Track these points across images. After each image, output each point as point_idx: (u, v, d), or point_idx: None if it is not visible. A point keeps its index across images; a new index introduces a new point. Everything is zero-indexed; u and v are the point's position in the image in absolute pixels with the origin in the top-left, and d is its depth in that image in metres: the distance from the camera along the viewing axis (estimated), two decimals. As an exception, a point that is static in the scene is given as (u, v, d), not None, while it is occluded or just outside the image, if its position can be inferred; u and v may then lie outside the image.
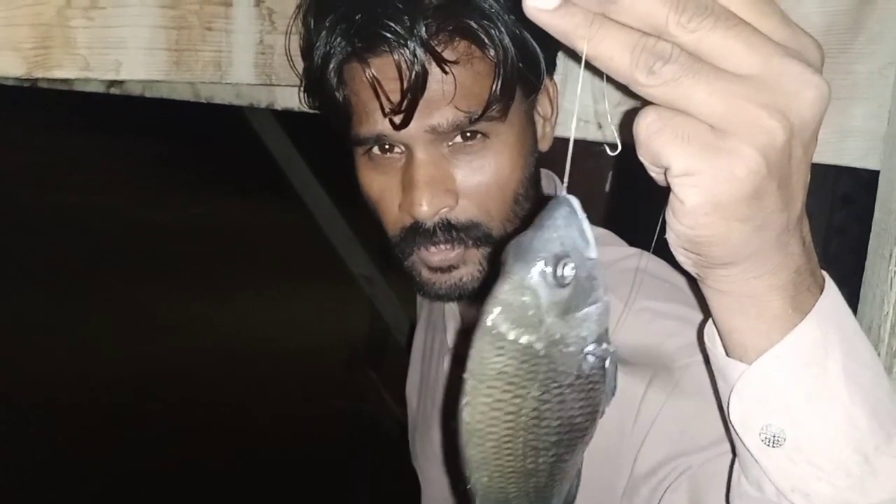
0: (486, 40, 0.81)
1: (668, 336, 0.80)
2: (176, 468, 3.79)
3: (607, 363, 0.51)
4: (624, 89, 0.43)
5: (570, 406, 0.52)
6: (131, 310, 5.58)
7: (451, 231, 0.85)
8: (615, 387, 0.53)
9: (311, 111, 1.01)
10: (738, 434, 0.54)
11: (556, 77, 0.95)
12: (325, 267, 4.04)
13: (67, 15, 0.79)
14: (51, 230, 7.04)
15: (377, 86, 0.81)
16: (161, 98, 1.25)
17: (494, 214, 0.86)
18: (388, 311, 3.43)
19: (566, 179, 0.49)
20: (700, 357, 0.72)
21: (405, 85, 0.80)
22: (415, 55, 0.79)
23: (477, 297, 0.90)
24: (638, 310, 0.82)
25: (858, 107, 0.84)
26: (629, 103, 0.86)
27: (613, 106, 0.90)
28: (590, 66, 0.44)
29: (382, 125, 0.83)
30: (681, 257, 0.49)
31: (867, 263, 0.85)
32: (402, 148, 0.85)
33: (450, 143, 0.84)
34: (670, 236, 0.47)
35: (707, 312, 0.55)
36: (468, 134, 0.84)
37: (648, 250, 0.60)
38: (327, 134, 0.96)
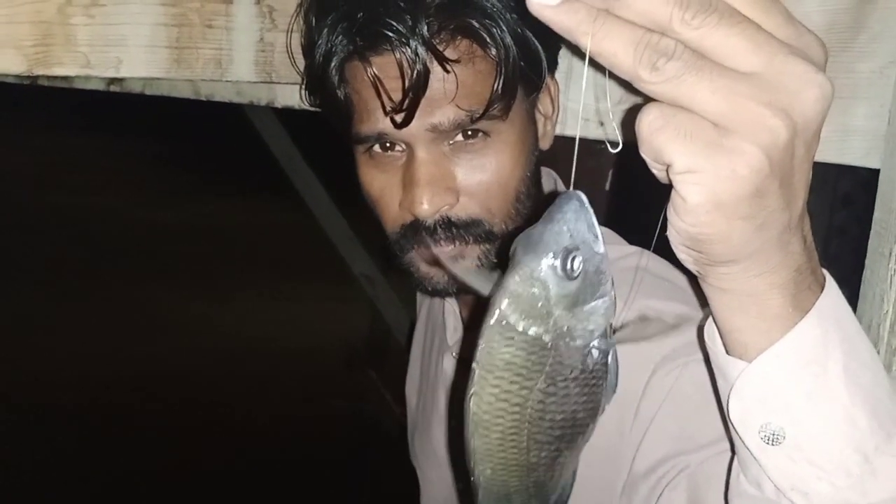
0: (488, 39, 0.81)
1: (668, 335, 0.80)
2: (176, 468, 3.79)
3: (609, 358, 0.51)
4: (626, 86, 0.43)
5: (574, 401, 0.52)
6: (131, 310, 5.58)
7: (451, 228, 0.85)
8: (616, 384, 0.53)
9: (312, 109, 1.01)
10: (737, 432, 0.54)
11: (559, 76, 0.95)
12: (325, 267, 4.03)
13: (68, 12, 0.79)
14: (51, 230, 7.04)
15: (379, 84, 0.81)
16: (161, 96, 1.25)
17: (496, 212, 0.87)
18: (388, 311, 3.43)
19: (573, 176, 0.49)
20: (700, 355, 0.72)
21: (407, 83, 0.80)
22: (416, 54, 0.79)
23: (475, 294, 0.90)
24: (638, 308, 0.82)
25: (859, 106, 0.84)
26: (630, 101, 0.86)
27: (614, 104, 0.90)
28: (593, 64, 0.44)
29: (383, 123, 0.83)
30: (682, 255, 0.49)
31: (867, 262, 0.85)
32: (403, 146, 0.85)
33: (451, 142, 0.84)
34: (671, 234, 0.47)
35: (707, 311, 0.55)
36: (469, 132, 0.84)
37: (649, 249, 0.60)
38: (328, 133, 0.96)
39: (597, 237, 0.47)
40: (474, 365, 0.49)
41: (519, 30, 0.83)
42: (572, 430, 0.54)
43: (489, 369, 0.49)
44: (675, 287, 0.85)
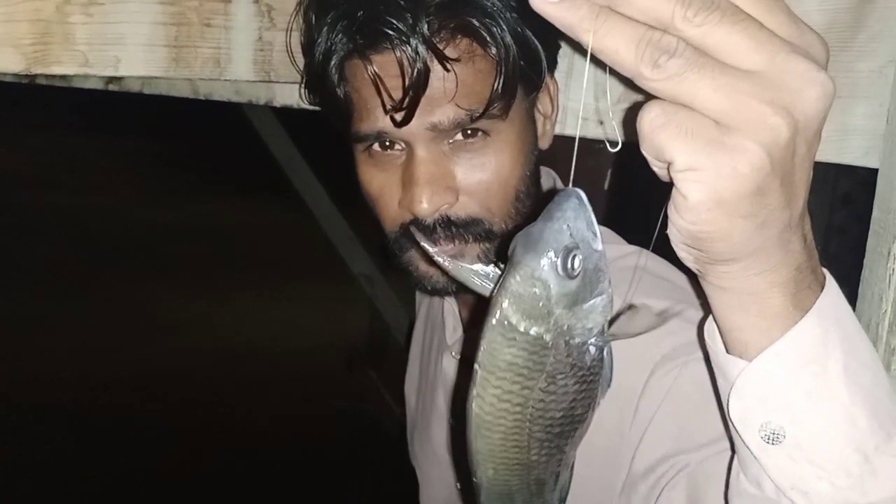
0: (488, 38, 0.81)
1: (668, 334, 0.79)
2: (176, 468, 3.79)
3: (605, 353, 0.51)
4: (626, 85, 0.43)
5: (573, 397, 0.52)
6: (131, 310, 5.58)
7: (450, 228, 0.85)
8: (611, 377, 0.53)
9: (311, 108, 1.01)
10: (737, 431, 0.54)
11: (559, 75, 0.95)
12: (325, 267, 4.04)
13: (66, 11, 0.79)
14: (50, 230, 7.05)
15: (379, 82, 0.81)
16: (160, 96, 1.25)
17: (495, 211, 0.86)
18: (388, 311, 3.43)
19: (571, 175, 0.49)
20: (700, 354, 0.72)
21: (407, 82, 0.80)
22: (417, 52, 0.79)
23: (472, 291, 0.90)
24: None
25: (859, 105, 0.84)
26: (629, 101, 0.85)
27: (614, 103, 0.90)
28: (593, 62, 0.44)
29: (383, 122, 0.83)
30: (682, 253, 0.49)
31: (866, 261, 0.84)
32: (403, 145, 0.85)
33: (450, 141, 0.84)
34: (672, 232, 0.47)
35: (707, 310, 0.55)
36: (469, 131, 0.84)
37: (648, 248, 0.60)
38: (327, 132, 0.95)
39: (595, 235, 0.47)
40: (476, 366, 0.49)
41: (519, 29, 0.83)
42: (571, 425, 0.54)
43: (491, 370, 0.49)
44: (674, 286, 0.85)
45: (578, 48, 0.48)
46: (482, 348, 0.49)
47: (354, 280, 3.40)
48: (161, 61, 0.87)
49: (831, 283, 0.53)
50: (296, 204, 3.33)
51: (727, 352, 0.54)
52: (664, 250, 0.52)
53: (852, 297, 0.82)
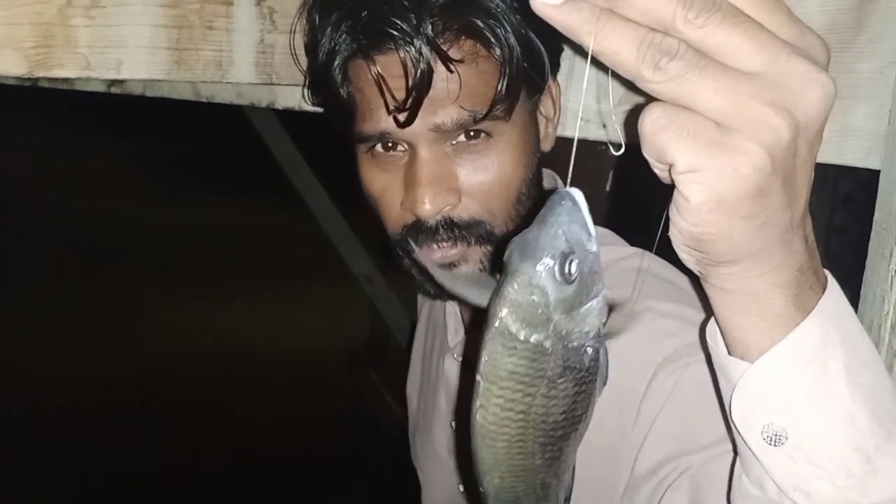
0: (492, 39, 0.81)
1: (669, 336, 0.80)
2: (176, 468, 3.79)
3: (601, 353, 0.52)
4: (628, 87, 0.43)
5: (574, 399, 0.52)
6: (131, 310, 5.58)
7: (453, 229, 0.85)
8: (607, 376, 0.53)
9: (313, 110, 1.01)
10: (739, 433, 0.54)
11: (560, 77, 0.95)
12: (325, 268, 4.04)
13: (68, 14, 0.79)
14: (51, 231, 7.04)
15: (382, 83, 0.81)
16: (162, 97, 1.25)
17: (497, 213, 0.86)
18: (388, 312, 3.43)
19: (569, 176, 0.49)
20: (702, 356, 0.72)
21: (410, 83, 0.79)
22: (421, 53, 0.79)
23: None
24: (639, 310, 0.81)
25: (860, 106, 0.84)
26: (630, 103, 0.85)
27: (615, 105, 0.90)
28: (594, 64, 0.44)
29: (386, 123, 0.83)
30: (684, 255, 0.49)
31: (867, 263, 0.85)
32: (406, 146, 0.85)
33: (453, 142, 0.84)
34: (674, 233, 0.47)
35: (709, 312, 0.55)
36: (472, 133, 0.84)
37: (650, 250, 0.60)
38: (329, 133, 0.96)
39: (591, 236, 0.47)
40: (478, 377, 0.49)
41: (523, 31, 0.83)
42: (571, 426, 0.54)
43: (493, 381, 0.49)
44: (676, 288, 0.85)
45: (579, 50, 0.48)
46: (483, 359, 0.48)
47: (355, 280, 3.40)
48: (163, 64, 0.87)
49: (833, 284, 0.53)
50: (296, 205, 3.33)
51: (729, 353, 0.54)
52: (666, 252, 0.52)
53: (854, 298, 0.82)
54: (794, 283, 0.49)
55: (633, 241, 0.95)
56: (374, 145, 0.87)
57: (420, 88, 0.79)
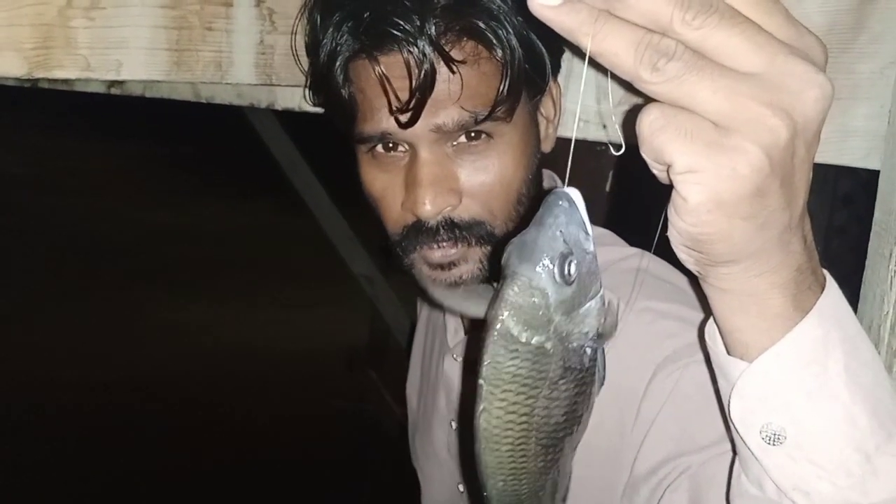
0: (494, 41, 0.81)
1: (669, 336, 0.80)
2: (176, 468, 3.79)
3: (599, 353, 0.52)
4: (626, 87, 0.43)
5: (574, 400, 0.52)
6: (131, 310, 5.58)
7: (454, 230, 0.85)
8: (604, 376, 0.53)
9: (312, 111, 1.01)
10: (738, 432, 0.54)
11: (559, 78, 0.95)
12: (325, 268, 4.04)
13: (68, 15, 0.79)
14: (51, 231, 7.04)
15: (385, 84, 0.81)
16: (162, 98, 1.25)
17: (497, 214, 0.87)
18: (388, 312, 3.43)
19: (567, 176, 0.49)
20: (701, 356, 0.72)
21: (413, 84, 0.80)
22: (424, 54, 0.79)
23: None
24: (639, 310, 0.82)
25: (860, 107, 0.84)
26: (629, 103, 0.86)
27: (614, 106, 0.90)
28: (593, 65, 0.44)
29: (388, 123, 0.83)
30: (682, 255, 0.49)
31: (867, 263, 0.85)
32: (406, 147, 0.85)
33: (454, 143, 0.84)
34: (672, 234, 0.47)
35: (708, 312, 0.55)
36: (472, 134, 0.84)
37: (649, 250, 0.60)
38: (329, 134, 0.95)
39: (588, 235, 0.47)
40: (480, 381, 0.49)
41: (524, 32, 0.83)
42: (572, 427, 0.54)
43: (496, 384, 0.49)
44: (675, 288, 0.85)
45: (577, 51, 0.48)
46: (485, 362, 0.48)
47: (355, 281, 3.40)
48: (163, 65, 0.87)
49: (832, 284, 0.53)
50: (296, 206, 3.33)
51: (728, 353, 0.54)
52: (665, 252, 0.52)
53: (853, 298, 0.82)
54: (792, 282, 0.49)
55: (632, 242, 0.95)
56: (375, 146, 0.87)
57: (423, 89, 0.79)
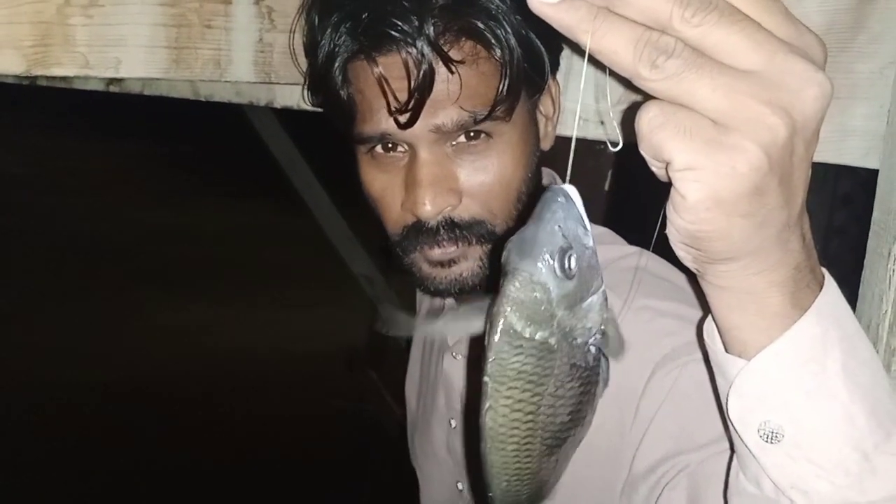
0: (493, 41, 0.81)
1: (668, 335, 0.80)
2: (176, 468, 3.79)
3: (603, 352, 0.52)
4: (626, 86, 0.43)
5: (579, 399, 0.52)
6: (131, 311, 5.57)
7: (454, 229, 0.85)
8: (608, 376, 0.53)
9: (311, 109, 1.01)
10: (736, 430, 0.54)
11: (558, 76, 0.95)
12: (325, 268, 4.04)
13: (67, 13, 0.79)
14: (51, 231, 7.04)
15: (384, 84, 0.81)
16: (161, 98, 1.25)
17: (497, 212, 0.87)
18: (388, 312, 3.43)
19: (568, 175, 0.49)
20: (699, 355, 0.72)
21: (412, 84, 0.79)
22: (422, 54, 0.79)
23: (476, 293, 0.90)
24: (638, 308, 0.82)
25: (859, 106, 0.84)
26: (629, 101, 0.85)
27: (613, 104, 0.90)
28: (593, 63, 0.44)
29: (387, 124, 0.83)
30: (681, 253, 0.49)
31: (866, 262, 0.84)
32: (406, 147, 0.85)
33: (453, 143, 0.84)
34: (671, 231, 0.47)
35: (707, 311, 0.55)
36: (472, 133, 0.84)
37: (648, 248, 0.60)
38: (328, 133, 0.95)
39: (586, 230, 0.47)
40: (485, 378, 0.49)
41: (523, 31, 0.83)
42: (575, 426, 0.54)
43: (501, 381, 0.49)
44: (674, 287, 0.85)
45: (577, 49, 0.48)
46: (490, 359, 0.48)
47: (355, 281, 3.40)
48: (161, 63, 0.87)
49: (830, 283, 0.53)
50: (296, 205, 3.33)
51: (726, 351, 0.54)
52: (664, 250, 0.52)
53: (852, 297, 0.82)
54: (791, 281, 0.49)
55: (631, 240, 0.95)
56: (374, 146, 0.87)
57: (422, 90, 0.79)
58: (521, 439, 0.52)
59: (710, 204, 0.43)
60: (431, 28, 0.79)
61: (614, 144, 0.49)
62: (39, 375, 4.39)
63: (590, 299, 0.49)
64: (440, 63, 0.80)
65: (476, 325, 0.54)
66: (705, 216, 0.44)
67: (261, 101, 1.20)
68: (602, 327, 0.51)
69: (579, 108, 0.49)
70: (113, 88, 1.24)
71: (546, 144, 0.94)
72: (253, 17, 0.94)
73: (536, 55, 0.86)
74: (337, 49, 0.84)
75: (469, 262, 0.87)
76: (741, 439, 0.54)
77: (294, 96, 1.14)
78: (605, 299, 0.50)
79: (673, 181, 0.44)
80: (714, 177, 0.42)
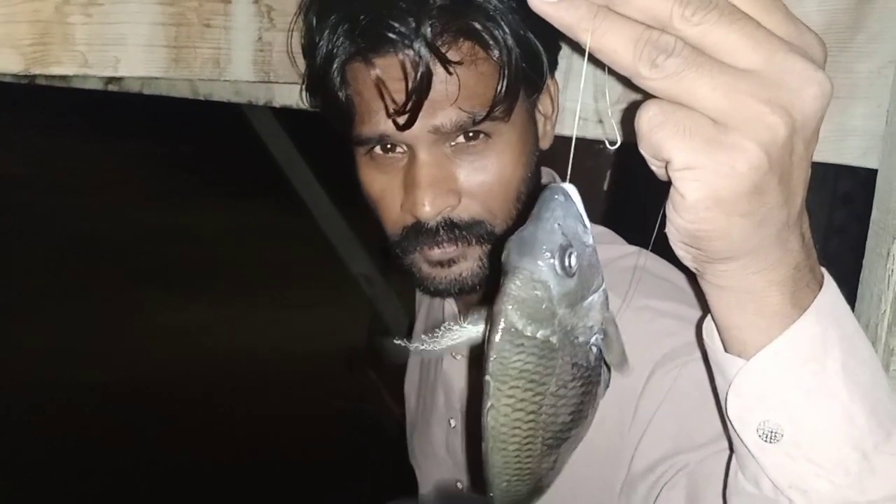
0: (491, 41, 0.81)
1: (668, 335, 0.80)
2: (176, 468, 3.79)
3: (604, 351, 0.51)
4: (625, 84, 0.43)
5: (581, 399, 0.52)
6: (131, 311, 5.57)
7: (454, 230, 0.85)
8: (610, 376, 0.53)
9: (311, 109, 1.01)
10: (735, 430, 0.54)
11: (558, 75, 0.95)
12: (325, 268, 4.04)
13: (66, 11, 0.79)
14: (51, 231, 7.04)
15: (382, 86, 0.81)
16: (160, 98, 1.25)
17: (497, 212, 0.87)
18: (388, 312, 3.43)
19: (568, 174, 0.49)
20: (699, 355, 0.72)
21: (410, 85, 0.79)
22: (420, 56, 0.79)
23: (476, 293, 0.90)
24: (637, 308, 0.82)
25: (858, 106, 0.84)
26: (628, 101, 0.85)
27: (612, 103, 0.90)
28: (592, 62, 0.44)
29: (385, 125, 0.83)
30: (680, 252, 0.49)
31: (865, 262, 0.84)
32: (405, 148, 0.85)
33: (452, 143, 0.84)
34: (670, 231, 0.47)
35: (706, 310, 0.55)
36: (471, 134, 0.84)
37: (648, 248, 0.60)
38: (327, 133, 0.95)
39: (586, 228, 0.47)
40: (487, 377, 0.49)
41: (521, 31, 0.83)
42: (576, 427, 0.54)
43: (503, 380, 0.49)
44: (674, 286, 0.85)
45: (577, 48, 0.48)
46: (491, 358, 0.48)
47: (354, 281, 3.40)
48: (161, 62, 0.87)
49: (829, 282, 0.53)
50: (295, 205, 3.33)
51: (725, 350, 0.54)
52: (663, 250, 0.52)
53: (851, 297, 0.82)
54: (790, 280, 0.49)
55: (630, 240, 0.95)
56: (373, 147, 0.87)
57: (420, 91, 0.79)
58: (522, 439, 0.52)
59: (710, 203, 0.43)
60: (429, 29, 0.79)
61: (612, 143, 0.49)
62: (39, 375, 4.39)
63: (591, 298, 0.48)
64: (438, 64, 0.80)
65: (475, 338, 0.54)
66: (705, 215, 0.44)
67: (260, 100, 1.20)
68: (603, 326, 0.50)
69: (579, 107, 0.48)
70: (112, 87, 1.24)
71: (545, 144, 0.94)
72: (252, 17, 0.94)
73: (535, 55, 0.86)
74: (335, 51, 0.84)
75: (469, 262, 0.87)
76: (740, 439, 0.54)
77: (293, 95, 1.14)
78: (606, 298, 0.50)
79: (672, 180, 0.44)
80: (713, 176, 0.42)
